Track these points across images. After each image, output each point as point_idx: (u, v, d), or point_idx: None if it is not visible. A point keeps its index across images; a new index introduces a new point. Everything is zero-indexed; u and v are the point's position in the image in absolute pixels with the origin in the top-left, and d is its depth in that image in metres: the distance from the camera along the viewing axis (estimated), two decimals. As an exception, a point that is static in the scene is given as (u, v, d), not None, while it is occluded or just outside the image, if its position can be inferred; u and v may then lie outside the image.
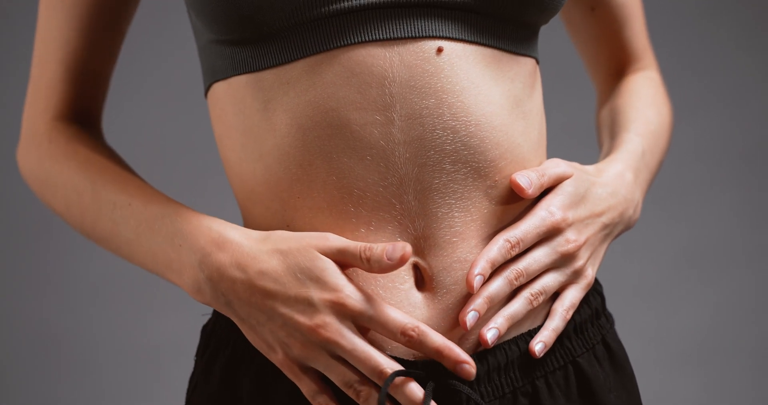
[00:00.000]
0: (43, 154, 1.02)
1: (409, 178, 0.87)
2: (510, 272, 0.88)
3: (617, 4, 1.13)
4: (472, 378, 0.85)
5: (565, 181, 0.93)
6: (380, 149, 0.86)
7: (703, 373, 2.34)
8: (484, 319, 0.88)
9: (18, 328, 2.35)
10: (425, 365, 0.86)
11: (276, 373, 0.89)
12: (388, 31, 0.87)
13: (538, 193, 0.91)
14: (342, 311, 0.84)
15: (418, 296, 0.88)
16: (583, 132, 2.39)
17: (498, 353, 0.89)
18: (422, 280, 0.89)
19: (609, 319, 0.99)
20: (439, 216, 0.88)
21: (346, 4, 0.86)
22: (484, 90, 0.89)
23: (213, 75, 0.93)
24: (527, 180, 0.90)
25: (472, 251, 0.88)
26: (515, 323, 0.90)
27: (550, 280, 0.91)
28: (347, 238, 0.87)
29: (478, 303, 0.87)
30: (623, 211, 0.96)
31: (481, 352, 0.89)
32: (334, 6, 0.86)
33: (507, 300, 0.90)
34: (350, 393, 0.84)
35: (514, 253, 0.88)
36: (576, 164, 0.95)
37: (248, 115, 0.90)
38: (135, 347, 2.28)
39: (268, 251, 0.86)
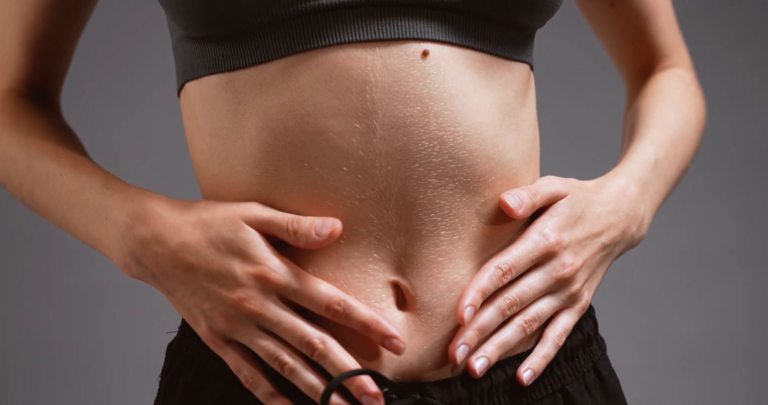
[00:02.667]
0: None
1: (390, 192, 0.82)
2: (502, 301, 0.84)
3: None
4: (401, 353, 0.81)
5: (560, 201, 0.88)
6: (359, 160, 0.81)
7: (701, 379, 2.34)
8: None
9: (20, 334, 2.35)
10: (406, 386, 0.83)
11: (244, 395, 0.84)
12: (369, 31, 0.81)
13: (529, 214, 0.86)
14: (266, 284, 0.81)
15: (398, 316, 0.83)
16: (580, 139, 2.40)
17: (483, 377, 0.85)
18: (404, 300, 0.84)
19: (601, 344, 0.95)
20: (423, 233, 0.83)
21: (324, 1, 0.80)
22: (473, 98, 0.83)
23: (185, 74, 0.88)
24: (517, 200, 0.85)
25: (459, 272, 0.84)
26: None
27: (545, 306, 0.86)
28: (319, 250, 0.82)
29: (469, 335, 0.82)
30: (625, 230, 0.91)
31: (465, 374, 0.84)
32: (311, 3, 0.80)
33: (500, 325, 0.86)
34: (275, 366, 0.81)
35: (505, 281, 0.84)
36: (573, 181, 0.91)
37: (218, 116, 0.85)
38: (137, 354, 2.27)
39: (192, 222, 0.83)
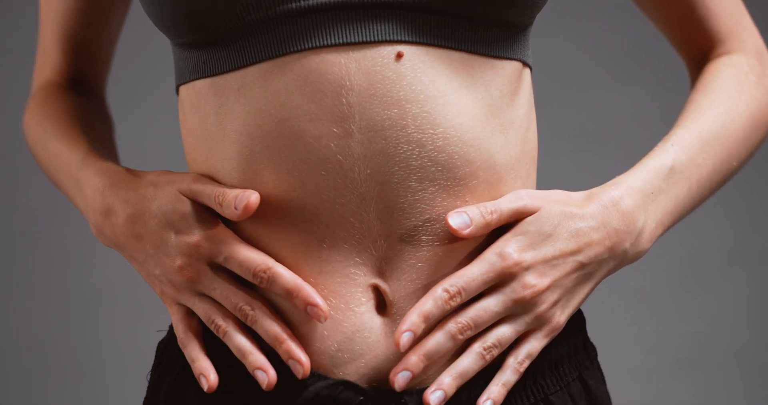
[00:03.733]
0: (27, 110, 1.08)
1: (370, 196, 0.81)
2: (453, 325, 0.81)
3: None
4: (322, 321, 0.81)
5: (526, 218, 0.83)
6: (337, 164, 0.80)
7: (699, 381, 2.33)
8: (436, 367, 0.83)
9: (20, 333, 2.36)
10: (382, 394, 0.82)
11: (225, 398, 0.85)
12: (342, 35, 0.80)
13: (482, 233, 0.82)
14: (198, 253, 0.83)
15: (376, 321, 0.83)
16: (578, 140, 2.40)
17: (462, 388, 0.83)
18: (384, 305, 0.83)
19: (590, 353, 0.93)
20: (403, 238, 0.82)
21: (293, 5, 0.80)
22: (452, 99, 0.81)
23: (178, 78, 0.90)
24: (463, 219, 0.81)
25: (440, 278, 0.82)
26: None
27: (507, 331, 0.82)
28: (300, 255, 0.82)
29: (412, 361, 0.80)
30: (613, 246, 0.85)
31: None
32: (282, 7, 0.80)
33: (458, 353, 0.83)
34: (212, 328, 0.84)
35: (454, 305, 0.81)
36: (556, 194, 0.85)
37: (203, 118, 0.85)
38: (135, 353, 2.27)
39: (140, 194, 0.87)
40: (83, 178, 0.93)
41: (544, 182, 0.95)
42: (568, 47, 2.27)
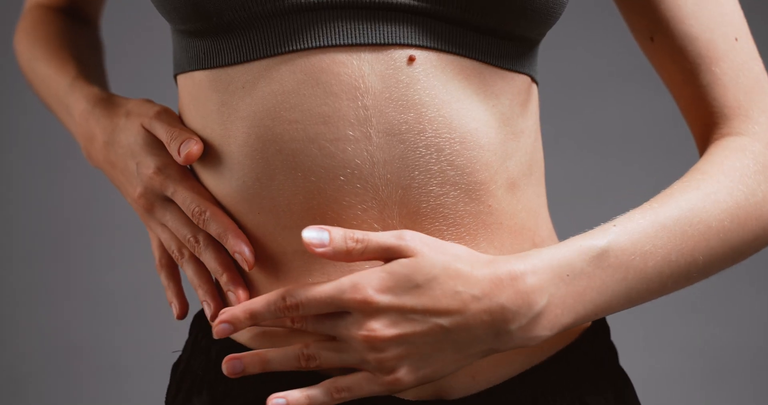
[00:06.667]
0: (17, 29, 1.10)
1: (392, 201, 0.78)
2: (286, 313, 0.77)
3: (684, 35, 0.87)
4: (249, 268, 0.80)
5: (401, 259, 0.75)
6: (356, 168, 0.77)
7: (743, 388, 2.31)
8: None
9: (40, 336, 2.38)
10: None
11: None
12: (352, 35, 0.77)
13: (342, 259, 0.76)
14: (152, 185, 0.85)
15: None
16: (581, 145, 2.39)
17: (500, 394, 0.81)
18: None
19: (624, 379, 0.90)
20: None
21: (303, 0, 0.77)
22: (466, 104, 0.79)
23: (176, 66, 0.87)
24: (321, 236, 0.75)
25: None
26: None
27: (330, 354, 0.77)
28: (328, 266, 0.79)
29: (236, 312, 0.78)
30: (493, 322, 0.75)
31: (490, 389, 0.82)
32: (288, 1, 0.77)
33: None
34: (173, 256, 0.86)
35: (287, 315, 0.76)
36: (456, 248, 0.76)
37: (204, 115, 0.83)
38: (156, 355, 2.27)
39: (114, 123, 0.89)
40: (71, 103, 0.95)
41: (551, 188, 0.92)
42: (571, 52, 2.27)
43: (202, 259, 0.83)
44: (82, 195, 2.35)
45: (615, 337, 0.95)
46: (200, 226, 0.82)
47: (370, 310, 0.74)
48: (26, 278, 2.38)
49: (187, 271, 0.85)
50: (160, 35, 1.18)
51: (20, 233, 2.38)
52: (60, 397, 2.35)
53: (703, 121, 0.88)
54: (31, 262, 2.38)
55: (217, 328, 0.78)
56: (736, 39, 0.87)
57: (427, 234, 0.78)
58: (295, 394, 0.76)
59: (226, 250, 0.83)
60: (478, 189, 0.80)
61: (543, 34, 0.85)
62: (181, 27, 0.83)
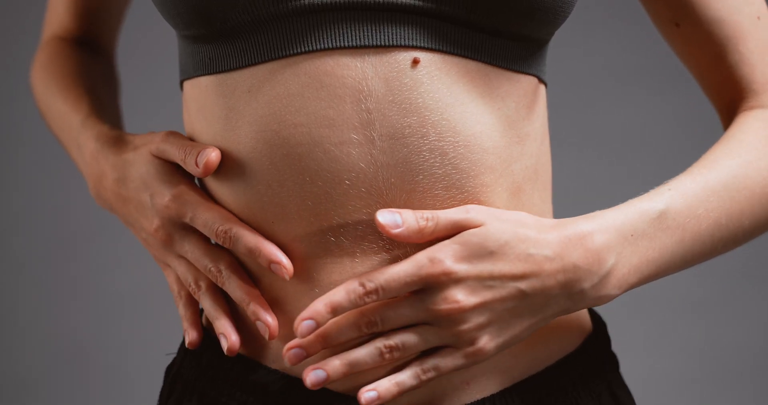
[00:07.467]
0: (34, 63, 1.08)
1: (396, 205, 0.78)
2: (361, 317, 0.76)
3: (711, 19, 0.89)
4: (287, 278, 0.78)
5: (471, 230, 0.76)
6: (360, 172, 0.77)
7: (752, 390, 2.30)
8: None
9: (45, 337, 2.38)
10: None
11: None
12: (356, 37, 0.77)
13: (415, 239, 0.76)
14: (169, 214, 0.83)
15: None
16: (589, 146, 2.39)
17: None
18: None
19: (614, 365, 0.90)
20: None
21: (306, 1, 0.77)
22: (470, 107, 0.79)
23: (182, 72, 0.86)
24: (395, 218, 0.76)
25: None
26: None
27: (413, 338, 0.76)
28: (329, 268, 0.79)
29: (306, 340, 0.76)
30: (567, 283, 0.76)
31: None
32: (294, 3, 0.77)
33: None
34: (190, 290, 0.85)
35: (368, 301, 0.75)
36: (517, 215, 0.78)
37: (211, 122, 0.82)
38: (161, 357, 2.27)
39: (124, 159, 0.88)
40: (82, 142, 0.94)
41: (557, 191, 0.92)
42: (577, 54, 2.27)
43: (225, 288, 0.81)
44: (89, 196, 2.34)
45: (615, 337, 0.95)
46: (227, 245, 0.80)
47: (450, 281, 0.75)
48: (32, 279, 2.38)
49: (205, 303, 0.83)
50: (166, 41, 1.19)
51: (26, 234, 2.38)
52: (65, 399, 2.35)
53: (730, 97, 0.91)
54: (36, 263, 2.38)
55: (302, 329, 0.75)
56: (759, 17, 0.90)
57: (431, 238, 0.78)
58: (384, 383, 0.77)
59: (246, 277, 0.82)
60: (482, 193, 0.79)
61: (551, 34, 0.84)
62: (185, 32, 0.83)
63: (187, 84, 0.86)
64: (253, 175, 0.80)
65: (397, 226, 0.75)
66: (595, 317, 0.92)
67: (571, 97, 2.27)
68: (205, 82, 0.82)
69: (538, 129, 0.84)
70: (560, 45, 1.02)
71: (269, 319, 0.79)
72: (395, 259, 0.78)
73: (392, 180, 0.77)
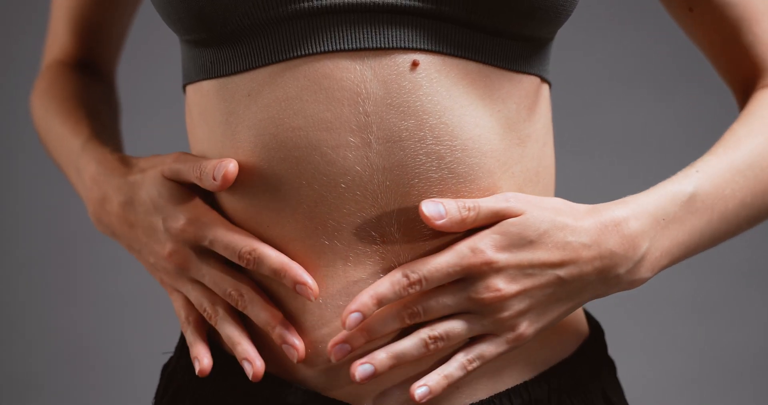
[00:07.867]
0: (34, 88, 1.07)
1: (391, 209, 0.77)
2: (403, 309, 0.77)
3: (724, 1, 0.91)
4: (312, 300, 0.78)
5: (510, 219, 0.77)
6: (356, 175, 0.77)
7: (752, 390, 2.30)
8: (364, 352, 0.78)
9: (46, 338, 2.38)
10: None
11: None
12: (355, 40, 0.77)
13: (457, 228, 0.77)
14: (185, 238, 0.81)
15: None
16: (593, 147, 2.39)
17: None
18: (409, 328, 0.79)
19: (611, 369, 0.89)
20: (428, 252, 0.78)
21: (305, 4, 0.76)
22: (470, 110, 0.78)
23: (185, 76, 0.86)
24: (438, 209, 0.76)
25: None
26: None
27: (458, 327, 0.77)
28: (322, 271, 0.79)
29: (353, 334, 0.77)
30: (604, 269, 0.78)
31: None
32: (293, 7, 0.76)
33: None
34: (205, 316, 0.83)
35: (412, 292, 0.76)
36: (553, 202, 0.79)
37: (212, 127, 0.82)
38: (162, 357, 2.27)
39: (130, 181, 0.86)
40: (82, 165, 0.92)
41: (558, 192, 0.92)
42: (578, 55, 2.27)
43: (248, 312, 0.80)
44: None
45: (614, 337, 0.95)
46: (250, 267, 0.79)
47: (491, 270, 0.76)
48: (32, 279, 2.38)
49: (224, 328, 0.81)
50: (169, 46, 1.20)
51: (27, 235, 2.39)
52: (65, 399, 2.35)
53: (745, 76, 0.93)
54: (36, 264, 2.38)
55: (350, 322, 0.75)
56: None
57: (427, 242, 0.78)
58: (434, 377, 0.77)
59: (268, 300, 0.81)
60: (480, 197, 0.79)
61: (554, 33, 0.84)
62: (186, 37, 0.82)
63: (189, 88, 0.85)
64: (252, 179, 0.79)
65: (441, 217, 0.76)
66: (592, 322, 0.92)
67: (572, 98, 2.27)
68: (206, 86, 0.82)
69: (540, 130, 0.84)
70: (561, 46, 1.03)
71: (297, 342, 0.79)
72: (387, 263, 0.78)
73: (387, 183, 0.77)
